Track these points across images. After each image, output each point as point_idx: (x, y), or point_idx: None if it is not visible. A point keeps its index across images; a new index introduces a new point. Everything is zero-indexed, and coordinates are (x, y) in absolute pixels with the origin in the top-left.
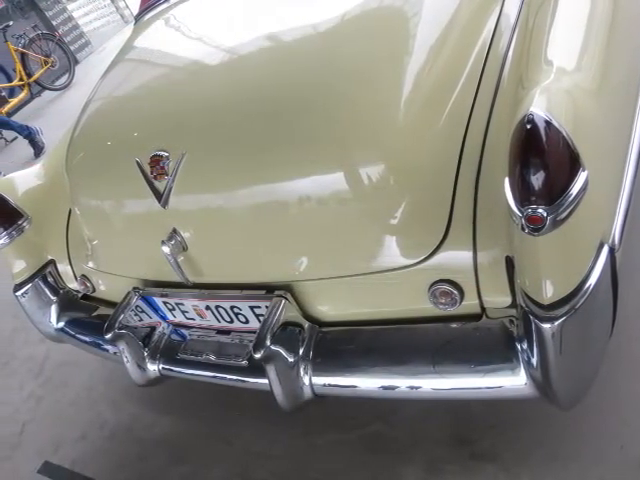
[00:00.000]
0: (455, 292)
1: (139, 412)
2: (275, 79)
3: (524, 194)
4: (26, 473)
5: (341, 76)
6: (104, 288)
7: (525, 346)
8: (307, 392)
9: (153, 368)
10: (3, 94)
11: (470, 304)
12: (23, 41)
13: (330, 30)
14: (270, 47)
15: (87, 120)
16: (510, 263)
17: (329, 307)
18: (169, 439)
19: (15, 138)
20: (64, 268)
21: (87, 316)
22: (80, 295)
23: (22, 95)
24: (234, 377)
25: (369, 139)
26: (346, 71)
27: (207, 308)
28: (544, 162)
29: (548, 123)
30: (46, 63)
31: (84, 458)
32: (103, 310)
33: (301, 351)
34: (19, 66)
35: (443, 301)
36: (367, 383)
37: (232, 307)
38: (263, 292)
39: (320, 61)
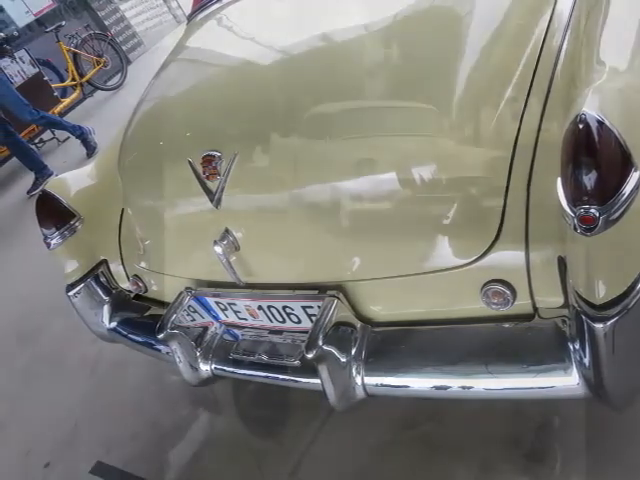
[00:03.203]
0: (508, 292)
1: (191, 412)
2: (328, 79)
3: (576, 194)
4: (79, 473)
5: (393, 78)
6: (156, 288)
7: (577, 346)
8: (359, 392)
9: (205, 368)
10: (56, 94)
11: (522, 304)
12: (75, 41)
13: (381, 32)
14: (323, 47)
15: (139, 120)
16: (562, 263)
17: (381, 307)
18: (221, 439)
19: (67, 138)
20: (116, 268)
21: (139, 316)
22: (132, 295)
23: (74, 95)
24: (286, 377)
25: (421, 139)
26: (398, 73)
27: (259, 308)
28: (596, 162)
29: (600, 123)
30: (98, 63)
31: (136, 458)
32: (155, 310)
33: (353, 351)
34: (71, 66)
35: (495, 301)
36: (419, 383)
37: (284, 307)
38: (315, 292)
39: (371, 63)
